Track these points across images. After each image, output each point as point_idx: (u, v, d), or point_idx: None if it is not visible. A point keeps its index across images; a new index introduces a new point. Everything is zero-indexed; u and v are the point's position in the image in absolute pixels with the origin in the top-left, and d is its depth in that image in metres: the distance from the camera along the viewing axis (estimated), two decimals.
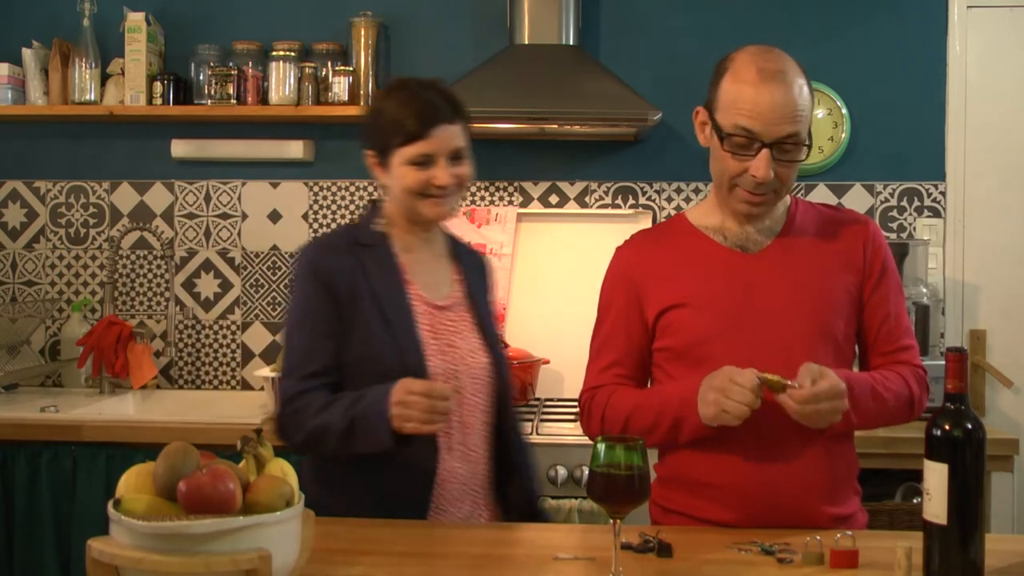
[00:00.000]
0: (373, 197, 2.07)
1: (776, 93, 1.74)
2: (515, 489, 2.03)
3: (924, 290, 3.14)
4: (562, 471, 2.75)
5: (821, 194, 3.42)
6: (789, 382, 1.65)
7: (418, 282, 1.97)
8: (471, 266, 2.08)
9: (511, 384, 2.11)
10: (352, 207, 3.50)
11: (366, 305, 1.89)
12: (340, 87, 3.32)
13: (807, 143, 1.80)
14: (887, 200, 3.43)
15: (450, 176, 1.90)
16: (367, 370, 1.87)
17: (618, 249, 1.98)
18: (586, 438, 2.04)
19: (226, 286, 3.54)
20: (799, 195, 3.23)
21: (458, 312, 1.99)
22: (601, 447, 1.46)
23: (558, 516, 2.68)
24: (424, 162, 1.88)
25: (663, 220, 3.42)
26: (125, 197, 3.55)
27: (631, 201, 3.48)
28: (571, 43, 3.29)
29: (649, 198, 3.48)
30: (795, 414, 1.67)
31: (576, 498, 2.72)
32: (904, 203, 3.43)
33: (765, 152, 1.76)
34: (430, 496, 1.89)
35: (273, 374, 2.96)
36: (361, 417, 1.79)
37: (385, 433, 1.77)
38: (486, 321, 2.03)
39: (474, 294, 2.03)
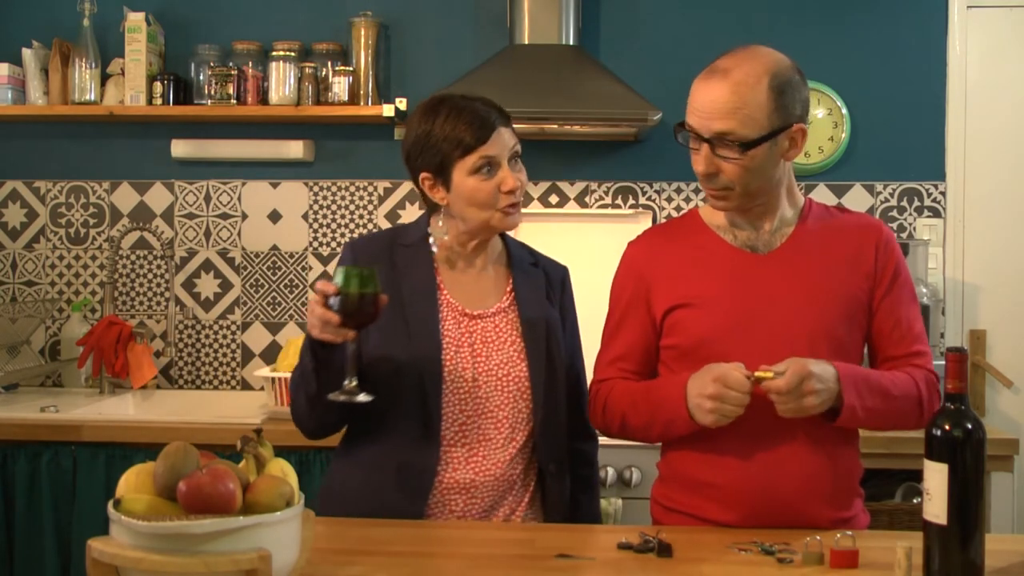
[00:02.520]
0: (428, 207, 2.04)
1: (710, 90, 1.76)
2: (555, 519, 1.95)
3: (924, 290, 3.14)
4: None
5: (821, 194, 3.42)
6: (776, 371, 1.67)
7: (454, 291, 1.94)
8: (528, 279, 2.02)
9: (562, 404, 1.97)
10: (352, 207, 3.51)
11: (390, 305, 1.82)
12: (340, 87, 3.32)
13: (751, 142, 1.75)
14: (887, 200, 3.43)
15: (515, 179, 1.88)
16: (382, 369, 1.85)
17: (630, 244, 1.99)
18: (632, 440, 1.98)
19: (226, 286, 3.54)
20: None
21: (497, 323, 1.94)
22: (340, 272, 1.68)
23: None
24: (489, 169, 1.87)
25: (663, 220, 3.43)
26: (125, 197, 3.55)
27: (631, 201, 3.48)
28: (571, 43, 3.29)
29: (649, 198, 3.48)
30: (779, 408, 1.69)
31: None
32: (904, 203, 3.43)
33: (703, 147, 1.78)
34: (424, 503, 1.86)
35: (273, 374, 2.96)
36: None
37: None
38: (535, 335, 1.95)
39: (525, 307, 1.96)
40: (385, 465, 1.88)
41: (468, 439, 1.88)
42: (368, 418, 1.89)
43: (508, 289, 1.99)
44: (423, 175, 1.92)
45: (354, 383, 1.74)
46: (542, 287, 2.03)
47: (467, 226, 1.92)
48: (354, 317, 1.68)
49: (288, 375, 2.91)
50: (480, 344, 1.92)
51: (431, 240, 1.97)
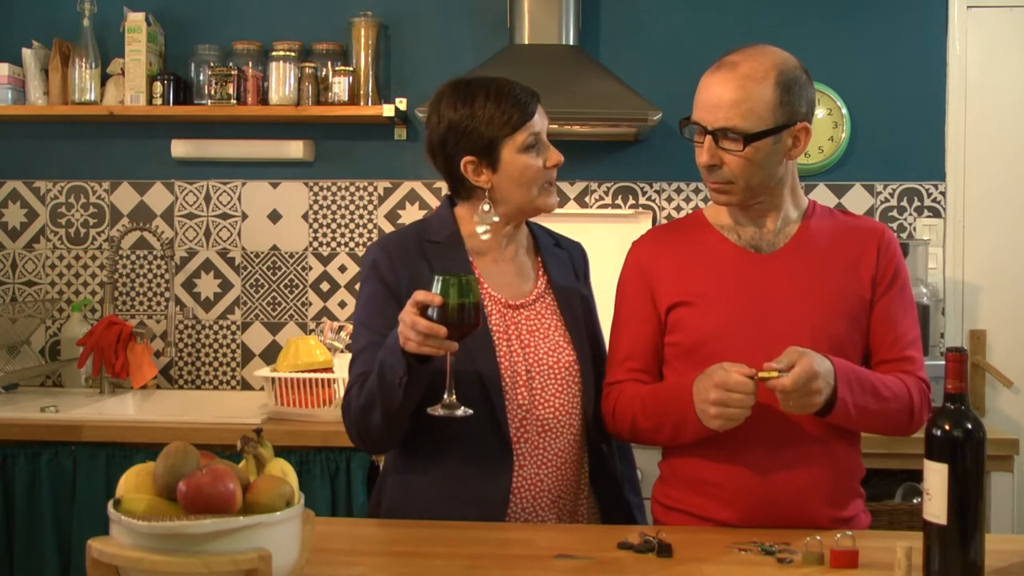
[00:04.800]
0: (447, 193, 2.01)
1: (715, 82, 1.78)
2: (609, 498, 1.95)
3: (924, 290, 3.14)
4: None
5: (821, 194, 3.42)
6: (779, 371, 1.65)
7: (491, 283, 1.92)
8: (557, 260, 2.02)
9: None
10: (352, 207, 3.51)
11: None
12: (340, 87, 3.32)
13: (753, 135, 1.76)
14: (887, 200, 3.43)
15: (559, 154, 1.90)
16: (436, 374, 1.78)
17: (634, 243, 1.99)
18: (642, 443, 1.97)
19: (226, 286, 3.54)
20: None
21: (538, 309, 1.93)
22: (438, 282, 1.62)
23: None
24: (535, 145, 1.87)
25: (663, 220, 3.43)
26: (125, 197, 3.55)
27: (631, 201, 3.48)
28: (571, 43, 3.29)
29: (649, 198, 3.48)
30: (782, 405, 1.68)
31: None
32: (904, 203, 3.43)
33: (707, 139, 1.79)
34: (506, 503, 1.83)
35: (273, 374, 2.96)
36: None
37: None
38: (575, 316, 1.95)
39: (560, 289, 1.97)
40: (459, 473, 1.84)
41: (529, 433, 1.86)
42: (431, 427, 1.81)
43: (540, 274, 1.99)
44: (466, 159, 1.88)
45: (454, 397, 1.68)
46: (569, 268, 2.04)
47: (507, 208, 1.90)
48: (457, 328, 1.61)
49: (287, 375, 2.92)
50: (527, 334, 1.90)
51: (480, 230, 1.92)
